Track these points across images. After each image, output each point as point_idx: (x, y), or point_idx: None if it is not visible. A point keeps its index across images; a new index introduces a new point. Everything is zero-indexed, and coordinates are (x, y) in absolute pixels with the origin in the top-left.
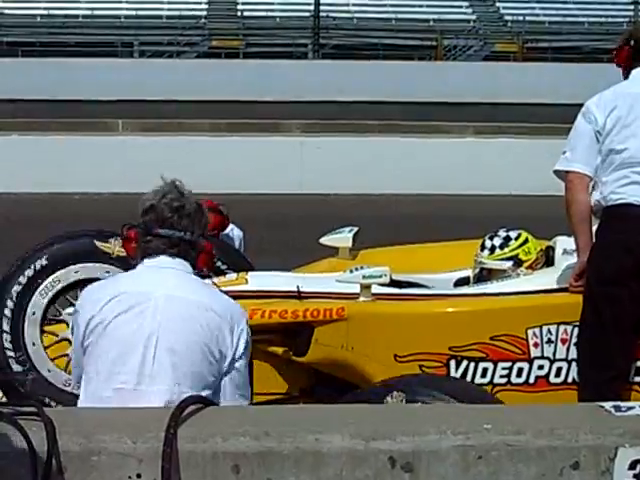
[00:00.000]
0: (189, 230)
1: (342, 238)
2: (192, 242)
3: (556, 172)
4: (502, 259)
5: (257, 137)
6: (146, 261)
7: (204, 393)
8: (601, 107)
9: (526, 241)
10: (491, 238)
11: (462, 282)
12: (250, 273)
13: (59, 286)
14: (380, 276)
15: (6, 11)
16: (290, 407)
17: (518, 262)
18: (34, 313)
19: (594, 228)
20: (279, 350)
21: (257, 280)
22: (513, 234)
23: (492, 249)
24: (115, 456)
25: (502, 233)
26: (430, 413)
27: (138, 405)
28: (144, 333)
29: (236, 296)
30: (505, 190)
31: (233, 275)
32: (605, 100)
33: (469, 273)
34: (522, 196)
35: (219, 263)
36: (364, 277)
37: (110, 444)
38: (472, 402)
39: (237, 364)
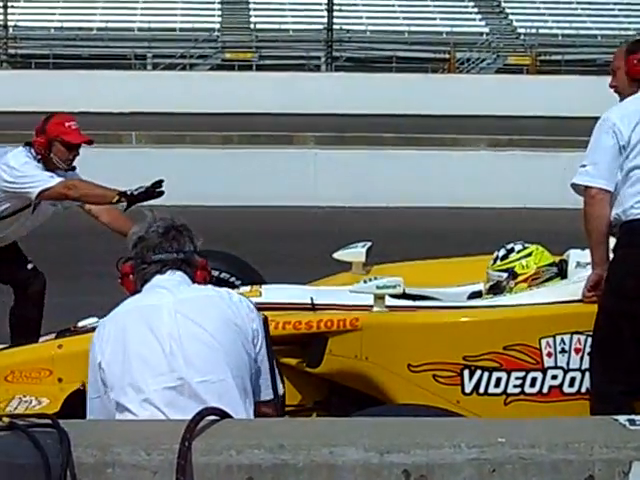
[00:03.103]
0: (182, 250)
1: (355, 253)
2: (186, 260)
3: (574, 185)
4: (500, 270)
5: (270, 149)
6: (145, 286)
7: (247, 375)
8: (625, 121)
9: (529, 255)
10: (500, 249)
11: (475, 296)
12: (264, 286)
13: None
14: (394, 286)
15: (20, 23)
16: (304, 420)
17: (513, 275)
18: None
19: (611, 242)
20: (293, 361)
21: (270, 293)
22: (518, 247)
23: (495, 260)
24: (129, 468)
25: (510, 245)
26: (444, 426)
27: (189, 399)
28: (162, 334)
29: None
30: (519, 203)
31: (246, 288)
32: (628, 114)
33: (482, 287)
34: (536, 209)
35: (233, 278)
36: (378, 287)
37: (124, 456)
38: None
39: (261, 353)
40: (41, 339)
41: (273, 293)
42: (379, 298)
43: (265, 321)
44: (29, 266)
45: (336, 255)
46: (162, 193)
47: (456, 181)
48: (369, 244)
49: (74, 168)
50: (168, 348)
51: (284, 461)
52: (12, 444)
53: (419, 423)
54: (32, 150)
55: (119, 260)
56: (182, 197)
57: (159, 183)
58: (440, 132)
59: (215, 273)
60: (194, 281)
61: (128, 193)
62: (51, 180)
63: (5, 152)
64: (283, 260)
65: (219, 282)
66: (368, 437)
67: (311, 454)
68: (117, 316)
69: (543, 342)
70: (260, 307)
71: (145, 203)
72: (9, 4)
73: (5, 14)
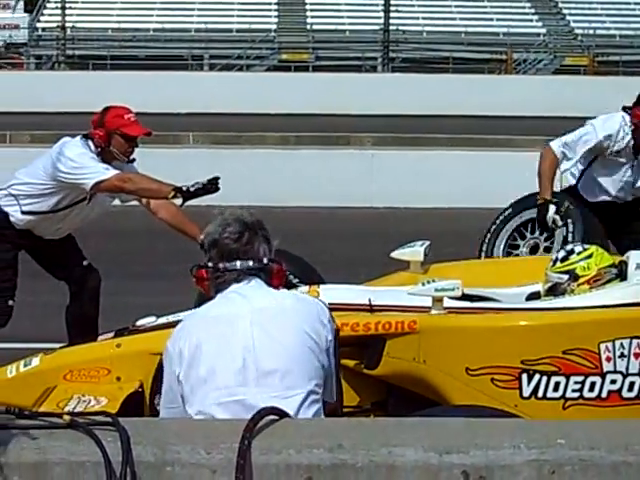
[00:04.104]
0: (257, 257)
1: (414, 252)
2: (262, 268)
3: None
4: (560, 272)
5: (327, 150)
6: (220, 293)
7: (319, 388)
8: None
9: (590, 256)
10: (559, 251)
11: (534, 296)
12: (322, 286)
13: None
14: (452, 289)
15: (78, 25)
16: (364, 420)
17: (574, 277)
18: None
19: None
20: (351, 363)
21: (329, 293)
22: (578, 248)
23: (555, 261)
24: (189, 467)
25: (569, 246)
26: (504, 427)
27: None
28: (237, 346)
29: None
30: None
31: (305, 287)
32: None
33: (540, 288)
34: None
35: (291, 277)
36: (436, 290)
37: (184, 455)
38: None
39: (332, 362)
40: (99, 338)
41: (331, 293)
42: (437, 300)
43: (337, 332)
44: (85, 263)
45: (394, 254)
46: (218, 189)
47: (513, 182)
48: (427, 243)
49: (133, 160)
50: (241, 361)
51: (343, 461)
52: (73, 442)
53: (478, 424)
54: (89, 142)
55: (193, 267)
56: (239, 197)
57: (215, 180)
58: (496, 133)
59: None
60: (269, 286)
61: (184, 189)
62: (106, 172)
63: (62, 144)
64: (340, 260)
65: None
66: (427, 437)
67: (370, 454)
68: (192, 326)
69: (602, 346)
70: None
71: (203, 203)
72: (67, 5)
73: (63, 15)
